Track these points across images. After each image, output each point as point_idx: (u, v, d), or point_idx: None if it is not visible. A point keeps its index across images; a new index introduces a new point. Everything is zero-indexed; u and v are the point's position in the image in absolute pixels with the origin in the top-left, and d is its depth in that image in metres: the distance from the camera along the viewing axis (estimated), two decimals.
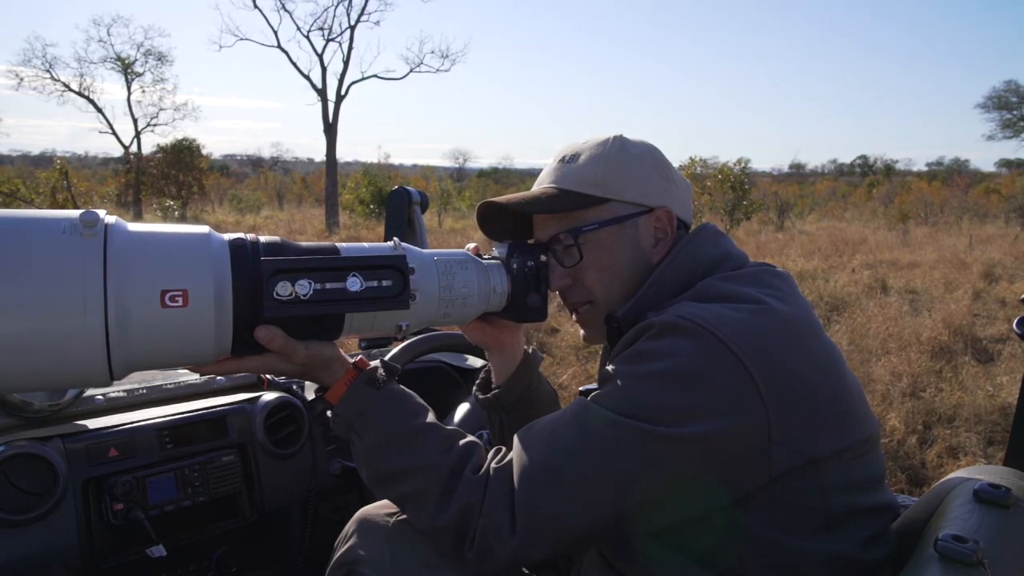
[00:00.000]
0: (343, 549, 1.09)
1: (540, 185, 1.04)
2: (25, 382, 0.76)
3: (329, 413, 0.96)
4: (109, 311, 0.72)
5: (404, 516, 1.05)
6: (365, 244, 0.93)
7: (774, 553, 0.83)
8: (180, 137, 24.30)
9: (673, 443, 0.78)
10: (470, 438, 0.94)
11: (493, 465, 0.88)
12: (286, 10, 23.69)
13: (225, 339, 0.81)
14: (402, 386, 0.97)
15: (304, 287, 0.83)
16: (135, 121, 27.80)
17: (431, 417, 0.95)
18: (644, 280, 0.97)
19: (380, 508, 1.10)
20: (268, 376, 1.61)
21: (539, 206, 1.00)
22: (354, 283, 0.86)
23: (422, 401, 0.97)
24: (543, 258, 1.03)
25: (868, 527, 0.86)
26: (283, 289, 0.82)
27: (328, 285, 0.84)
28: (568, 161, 1.02)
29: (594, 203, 0.98)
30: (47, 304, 0.70)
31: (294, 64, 23.84)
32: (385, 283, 0.88)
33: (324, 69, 23.26)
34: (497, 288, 1.01)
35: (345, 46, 23.28)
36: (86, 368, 0.74)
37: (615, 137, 1.02)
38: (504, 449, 0.91)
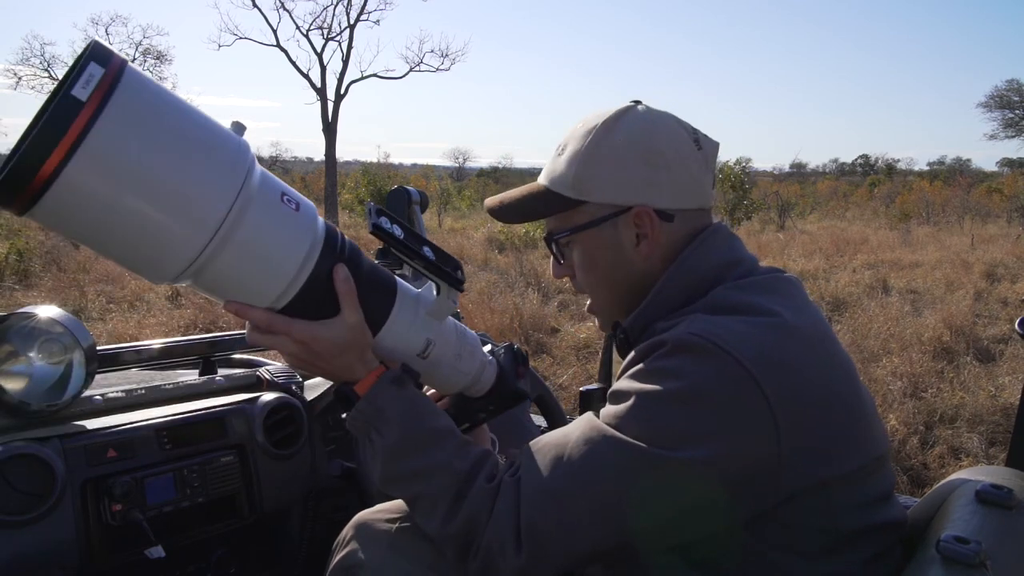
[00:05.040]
0: (342, 553, 1.08)
1: (540, 177, 1.02)
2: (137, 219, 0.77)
3: (344, 416, 0.96)
4: (242, 191, 0.79)
5: (404, 522, 1.04)
6: None
7: (780, 573, 0.82)
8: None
9: (684, 467, 0.77)
10: (485, 448, 0.94)
11: (505, 478, 0.87)
12: (285, 9, 23.63)
13: (308, 264, 0.85)
14: (419, 391, 0.97)
15: (398, 231, 0.91)
16: None
17: (450, 422, 0.95)
18: (633, 280, 0.95)
19: (379, 513, 1.10)
20: (267, 376, 1.61)
21: (520, 211, 0.99)
22: (428, 252, 0.93)
23: (438, 407, 0.98)
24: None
25: (876, 545, 0.85)
26: (385, 223, 0.90)
27: (411, 243, 0.92)
28: (559, 153, 0.98)
29: (572, 205, 0.95)
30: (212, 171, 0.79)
31: (293, 63, 23.74)
32: (446, 268, 0.94)
33: (323, 68, 23.24)
34: (483, 379, 1.04)
35: (344, 45, 23.23)
36: (193, 226, 0.78)
37: (606, 120, 0.94)
38: (518, 462, 0.89)
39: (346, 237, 0.93)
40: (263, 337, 0.90)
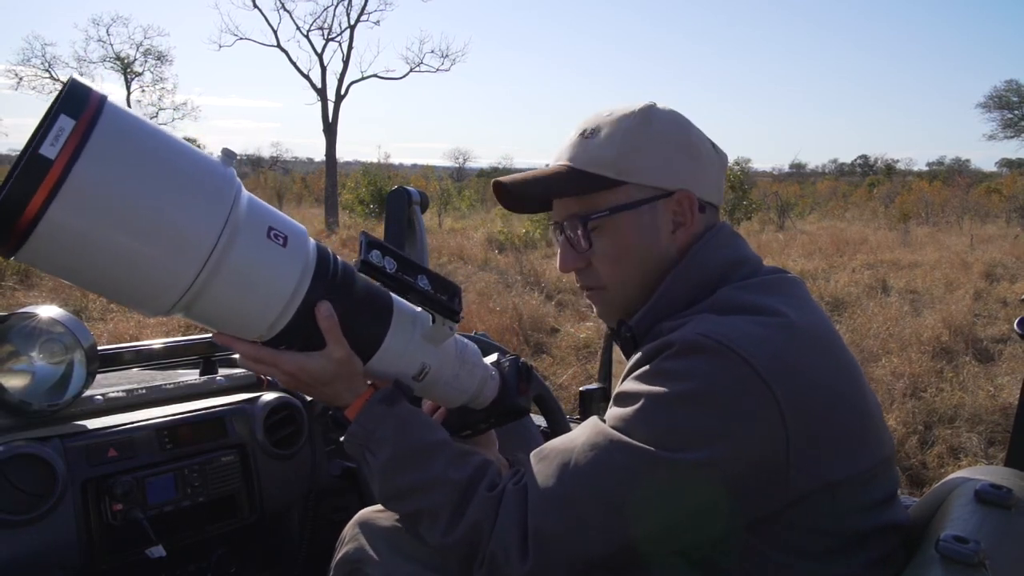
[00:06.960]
0: (345, 550, 1.09)
1: (556, 160, 0.97)
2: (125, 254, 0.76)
3: (342, 438, 0.96)
4: (227, 225, 0.78)
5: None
6: None
7: (784, 575, 0.82)
8: (180, 137, 24.20)
9: (693, 469, 0.76)
10: (485, 456, 0.93)
11: (509, 486, 0.86)
12: (286, 9, 23.57)
13: (297, 298, 0.85)
14: (412, 406, 0.96)
15: (390, 264, 0.90)
16: None
17: (444, 435, 0.94)
18: (661, 269, 0.93)
19: (382, 510, 1.10)
20: (267, 376, 1.60)
21: (546, 188, 0.95)
22: (423, 282, 0.92)
23: (433, 420, 0.97)
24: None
25: (880, 547, 0.84)
26: (375, 258, 0.89)
27: (405, 275, 0.91)
28: (588, 136, 0.93)
29: (608, 186, 0.91)
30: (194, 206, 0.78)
31: (294, 64, 23.72)
32: (442, 298, 0.93)
33: (324, 69, 23.21)
34: (484, 394, 1.05)
35: (345, 46, 23.19)
36: (182, 260, 0.78)
37: (641, 109, 0.93)
38: (522, 470, 0.88)
39: (340, 261, 0.92)
40: (253, 365, 0.91)
